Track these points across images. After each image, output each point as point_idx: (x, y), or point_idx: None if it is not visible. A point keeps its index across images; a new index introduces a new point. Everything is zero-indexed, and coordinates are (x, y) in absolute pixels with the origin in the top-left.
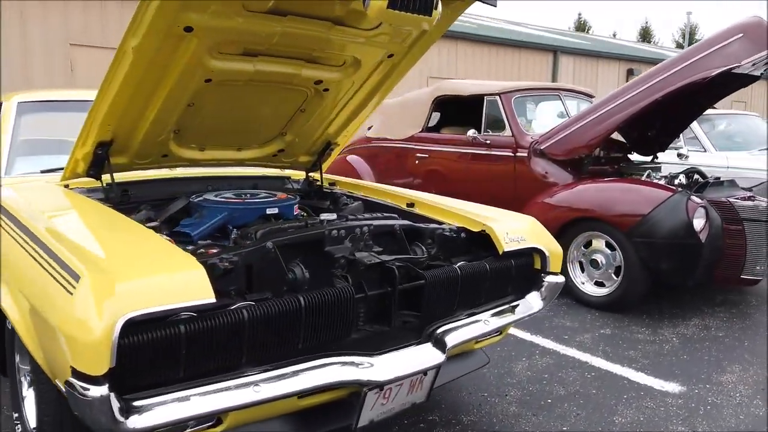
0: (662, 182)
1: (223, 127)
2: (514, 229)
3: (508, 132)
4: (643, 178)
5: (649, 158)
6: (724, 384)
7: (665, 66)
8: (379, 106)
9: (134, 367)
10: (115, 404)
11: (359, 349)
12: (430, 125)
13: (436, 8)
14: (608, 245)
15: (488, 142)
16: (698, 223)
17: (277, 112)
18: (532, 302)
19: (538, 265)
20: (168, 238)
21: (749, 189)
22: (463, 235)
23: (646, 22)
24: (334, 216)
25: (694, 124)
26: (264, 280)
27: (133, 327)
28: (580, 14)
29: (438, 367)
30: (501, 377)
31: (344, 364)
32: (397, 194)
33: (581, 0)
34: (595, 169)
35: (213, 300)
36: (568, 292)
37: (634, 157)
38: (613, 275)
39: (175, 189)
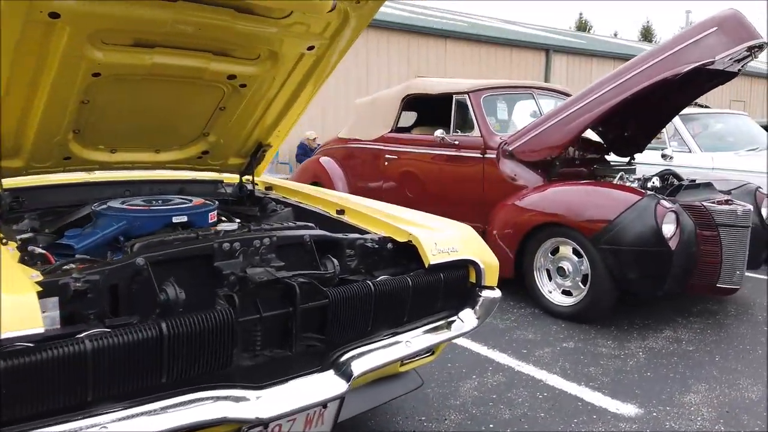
0: (635, 185)
1: (132, 127)
2: (445, 239)
3: (476, 132)
4: (615, 180)
5: (626, 160)
6: (686, 406)
7: (636, 62)
8: (356, 106)
9: None
10: None
11: (252, 379)
12: (405, 125)
13: None
14: (575, 252)
15: (456, 142)
16: (668, 229)
17: (194, 111)
18: (466, 320)
19: (473, 279)
20: (43, 251)
21: (728, 192)
22: (389, 245)
23: (647, 21)
24: (234, 226)
25: (679, 124)
26: (133, 302)
27: None
28: (581, 14)
29: (341, 398)
30: (444, 398)
31: (219, 399)
32: (329, 200)
33: (580, 0)
34: (570, 171)
35: (41, 329)
36: (535, 301)
37: (612, 158)
38: (580, 284)
39: (86, 195)
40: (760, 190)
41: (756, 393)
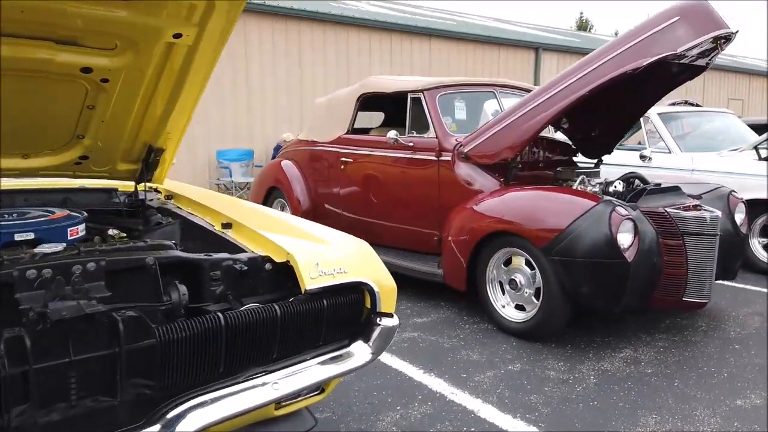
0: (596, 189)
1: None
2: (331, 259)
3: (432, 133)
4: (576, 185)
5: (595, 162)
6: None
7: (594, 57)
8: (314, 105)
9: None
10: None
11: None
12: (373, 126)
13: None
14: (528, 263)
15: (411, 144)
16: (624, 238)
17: (58, 110)
18: (357, 354)
19: (368, 304)
20: None
21: (698, 196)
22: (268, 266)
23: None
24: (59, 247)
25: (659, 123)
26: None
27: None
28: (581, 13)
29: None
30: None
31: None
32: (219, 211)
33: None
34: (531, 175)
35: None
36: (489, 317)
37: (582, 160)
38: (533, 298)
39: None
40: (734, 194)
41: (712, 426)
